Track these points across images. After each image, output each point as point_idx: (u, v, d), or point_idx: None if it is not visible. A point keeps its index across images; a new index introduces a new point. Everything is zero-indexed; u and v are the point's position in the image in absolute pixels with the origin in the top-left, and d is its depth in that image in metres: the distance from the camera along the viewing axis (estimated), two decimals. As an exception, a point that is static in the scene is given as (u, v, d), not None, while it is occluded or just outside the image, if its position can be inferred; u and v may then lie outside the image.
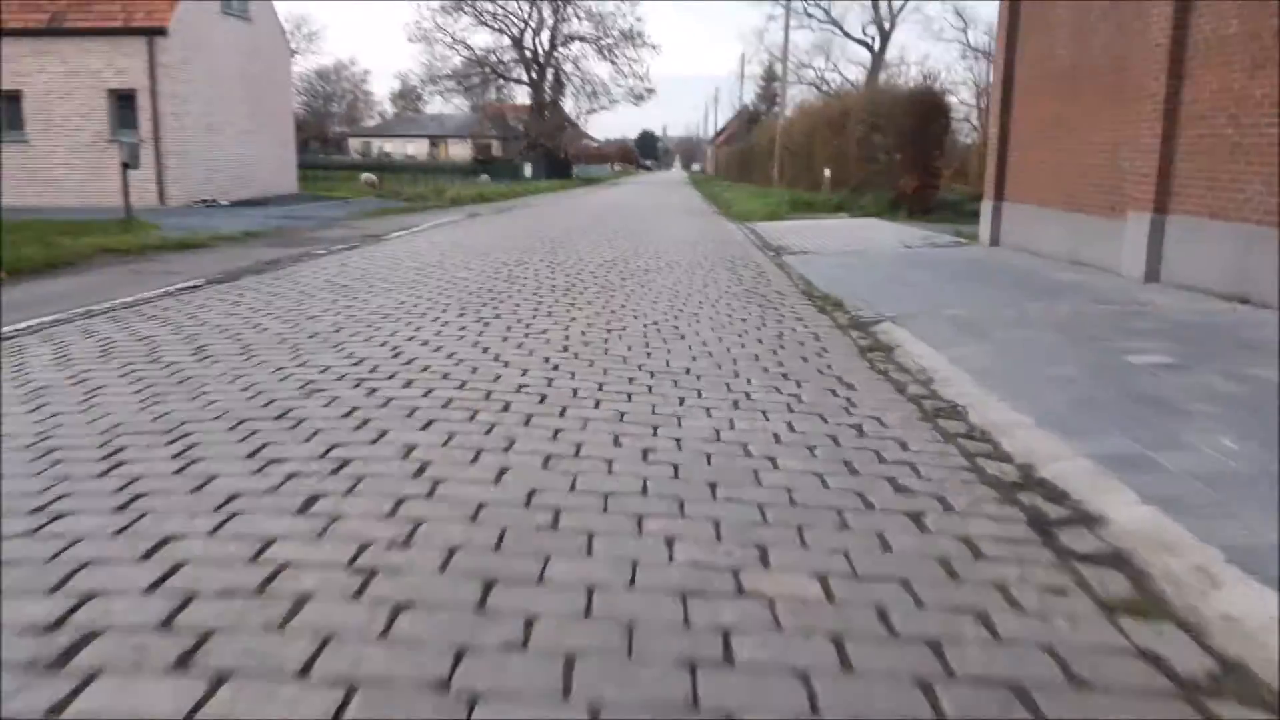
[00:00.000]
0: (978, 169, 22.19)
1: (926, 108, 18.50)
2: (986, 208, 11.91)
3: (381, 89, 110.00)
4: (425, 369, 4.72)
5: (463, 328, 5.91)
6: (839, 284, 8.39)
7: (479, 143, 77.07)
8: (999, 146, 11.60)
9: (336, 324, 5.99)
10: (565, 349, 5.32)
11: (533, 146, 52.50)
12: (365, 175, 37.83)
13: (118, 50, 18.05)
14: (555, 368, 4.85)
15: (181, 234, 13.29)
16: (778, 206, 19.34)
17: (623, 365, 4.95)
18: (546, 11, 51.13)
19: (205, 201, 19.72)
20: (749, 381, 4.59)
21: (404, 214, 20.39)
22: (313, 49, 51.41)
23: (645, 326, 6.12)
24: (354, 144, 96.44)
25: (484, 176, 39.99)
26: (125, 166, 14.30)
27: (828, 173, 21.51)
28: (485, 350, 5.24)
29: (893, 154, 19.23)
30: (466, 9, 49.39)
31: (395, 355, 5.05)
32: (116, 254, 11.15)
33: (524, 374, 4.66)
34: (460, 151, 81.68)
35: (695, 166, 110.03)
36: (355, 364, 4.82)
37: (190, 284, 8.39)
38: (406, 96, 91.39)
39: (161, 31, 17.94)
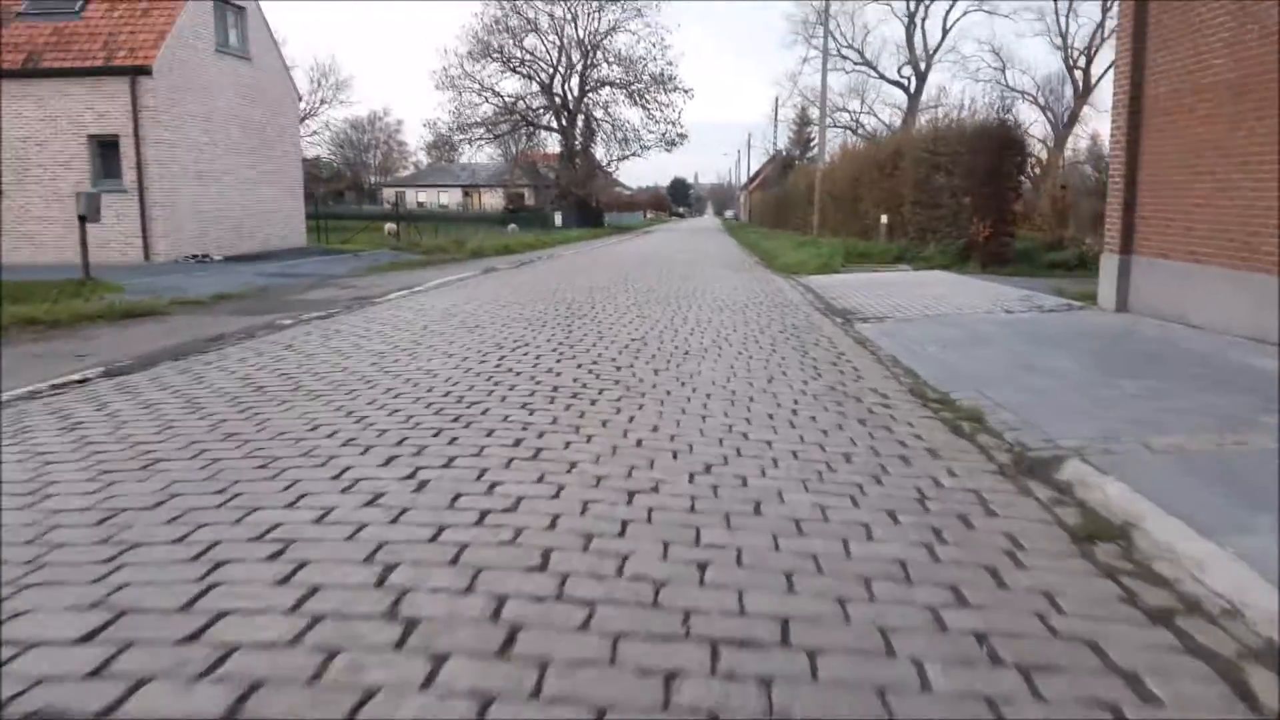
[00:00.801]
0: (1049, 212, 19.71)
1: (999, 143, 16.12)
2: (1109, 264, 9.44)
3: (415, 138, 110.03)
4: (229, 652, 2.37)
5: (376, 496, 3.43)
6: (953, 374, 5.98)
7: (510, 192, 75.98)
8: (1124, 186, 9.17)
9: (171, 487, 3.66)
10: (543, 564, 2.78)
11: (564, 195, 50.82)
12: (388, 225, 36.29)
13: (98, 91, 16.29)
14: (510, 638, 2.34)
15: (140, 298, 11.23)
16: (830, 258, 16.98)
17: (654, 614, 2.46)
18: (575, 56, 49.77)
19: (196, 257, 17.82)
20: (921, 675, 2.16)
21: (415, 269, 18.33)
22: (341, 98, 50.45)
23: (692, 480, 3.68)
24: (387, 194, 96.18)
25: (512, 226, 38.17)
26: (82, 220, 12.33)
27: (884, 219, 19.15)
28: (379, 580, 2.64)
29: (960, 197, 16.83)
30: (494, 55, 48.13)
31: (199, 592, 2.71)
32: (36, 326, 9.05)
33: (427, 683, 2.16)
34: (493, 201, 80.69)
35: (729, 213, 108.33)
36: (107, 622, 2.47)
37: (80, 375, 6.19)
38: (440, 146, 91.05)
39: (145, 71, 16.16)
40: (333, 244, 25.20)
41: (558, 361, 6.45)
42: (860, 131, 62.32)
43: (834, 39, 54.76)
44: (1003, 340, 7.71)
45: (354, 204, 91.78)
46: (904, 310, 10.08)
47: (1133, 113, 9.09)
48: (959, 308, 10.11)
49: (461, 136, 49.71)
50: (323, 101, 50.79)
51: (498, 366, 6.26)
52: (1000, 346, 7.33)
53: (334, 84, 50.79)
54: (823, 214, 33.13)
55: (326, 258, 20.29)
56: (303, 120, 51.56)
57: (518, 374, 5.97)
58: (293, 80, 22.01)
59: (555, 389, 5.52)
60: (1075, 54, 58.82)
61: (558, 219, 44.62)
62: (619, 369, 6.18)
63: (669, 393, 5.44)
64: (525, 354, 6.76)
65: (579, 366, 6.26)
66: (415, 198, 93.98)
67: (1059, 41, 58.85)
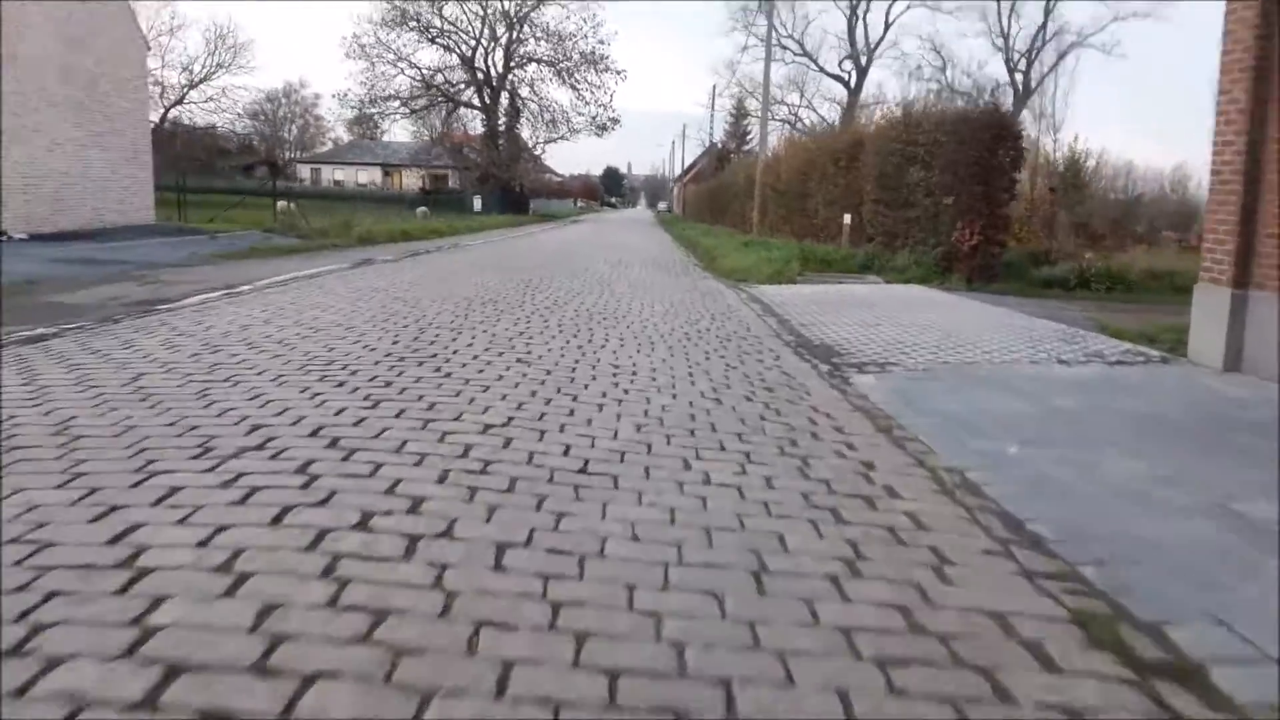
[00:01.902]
0: (1026, 221, 17.01)
1: (990, 133, 13.31)
2: (1215, 300, 6.53)
3: (332, 113, 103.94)
4: None
5: None
6: (1127, 549, 2.88)
7: (433, 173, 71.63)
8: (1242, 196, 6.28)
9: None
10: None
11: (485, 178, 47.03)
12: (281, 204, 32.21)
13: None
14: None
15: None
16: (784, 264, 13.98)
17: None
18: (500, 29, 45.98)
19: (-12, 233, 13.92)
20: None
21: (278, 257, 14.73)
22: (241, 63, 45.64)
23: None
24: (303, 170, 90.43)
25: (422, 210, 34.37)
26: None
27: (848, 220, 16.21)
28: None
29: (940, 196, 13.99)
30: (411, 23, 44.01)
31: None
32: None
33: None
34: (415, 182, 76.08)
35: (661, 205, 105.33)
36: None
37: None
38: (361, 123, 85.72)
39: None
40: (197, 222, 21.25)
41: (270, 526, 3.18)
42: (799, 126, 59.94)
43: (774, 29, 52.10)
44: (1104, 427, 4.70)
45: (267, 180, 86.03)
46: (908, 351, 7.05)
47: (1256, 106, 6.18)
48: (985, 351, 7.12)
49: (374, 110, 45.48)
50: (219, 65, 45.95)
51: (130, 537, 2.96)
52: (1119, 447, 4.30)
53: (232, 47, 45.93)
54: (763, 209, 30.32)
55: (172, 239, 16.47)
56: (194, 85, 46.68)
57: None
58: (139, 25, 18.06)
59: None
60: (1016, 56, 57.46)
61: (476, 203, 40.90)
62: (473, 500, 2.94)
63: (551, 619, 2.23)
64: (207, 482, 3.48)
65: (391, 496, 3.00)
66: (332, 175, 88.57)
67: (1000, 43, 57.50)
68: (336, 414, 4.10)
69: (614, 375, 5.38)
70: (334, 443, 3.64)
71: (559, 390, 4.83)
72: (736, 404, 4.85)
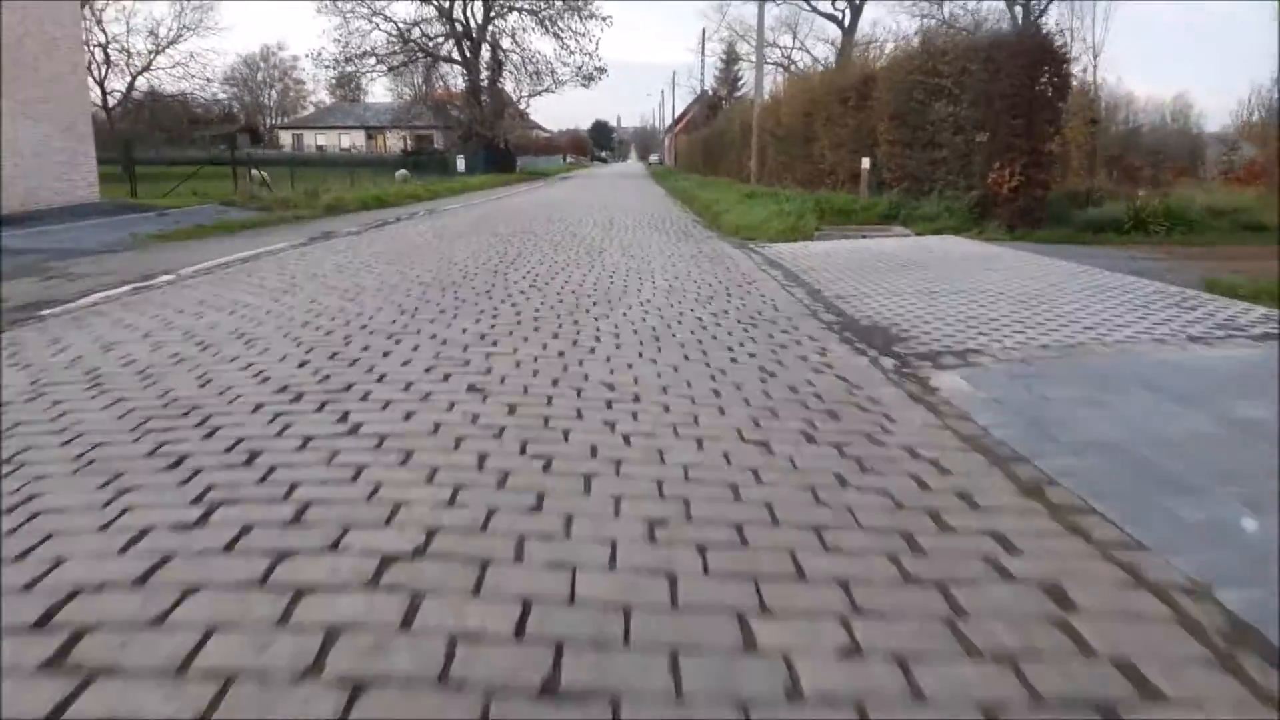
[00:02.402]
0: (1074, 156, 15.21)
1: (1030, 58, 11.47)
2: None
3: (312, 75, 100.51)
4: None
5: None
6: None
7: (417, 134, 69.12)
8: None
9: None
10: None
11: (468, 136, 44.83)
12: (254, 172, 30.26)
13: None
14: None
15: None
16: (799, 218, 12.22)
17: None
18: (478, -23, 43.41)
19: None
20: None
21: (230, 233, 13.01)
22: (210, 24, 43.12)
23: None
24: (284, 137, 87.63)
25: (402, 172, 32.36)
26: None
27: (866, 164, 14.36)
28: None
29: (971, 133, 12.19)
30: (385, -26, 41.44)
31: None
32: None
33: None
34: (400, 144, 73.56)
35: (653, 158, 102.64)
36: None
37: None
38: (344, 85, 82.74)
39: None
40: (151, 198, 19.39)
41: None
42: (792, 69, 57.48)
43: (764, -35, 49.37)
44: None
45: (248, 148, 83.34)
46: (986, 329, 5.38)
47: None
48: (1086, 327, 5.45)
49: (350, 69, 43.11)
50: (185, 28, 43.31)
51: None
52: None
53: (198, 6, 43.13)
54: (762, 157, 28.43)
55: (109, 220, 14.67)
56: (161, 50, 44.24)
57: None
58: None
59: None
60: (938, 23, 54.75)
61: (460, 163, 38.82)
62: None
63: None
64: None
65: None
66: (315, 140, 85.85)
67: (997, -26, 54.72)
68: (120, 551, 2.38)
69: (607, 407, 3.70)
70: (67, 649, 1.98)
71: (523, 448, 3.13)
72: (793, 450, 3.19)
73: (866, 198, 13.55)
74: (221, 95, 49.80)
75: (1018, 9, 55.40)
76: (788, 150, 23.68)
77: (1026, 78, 11.51)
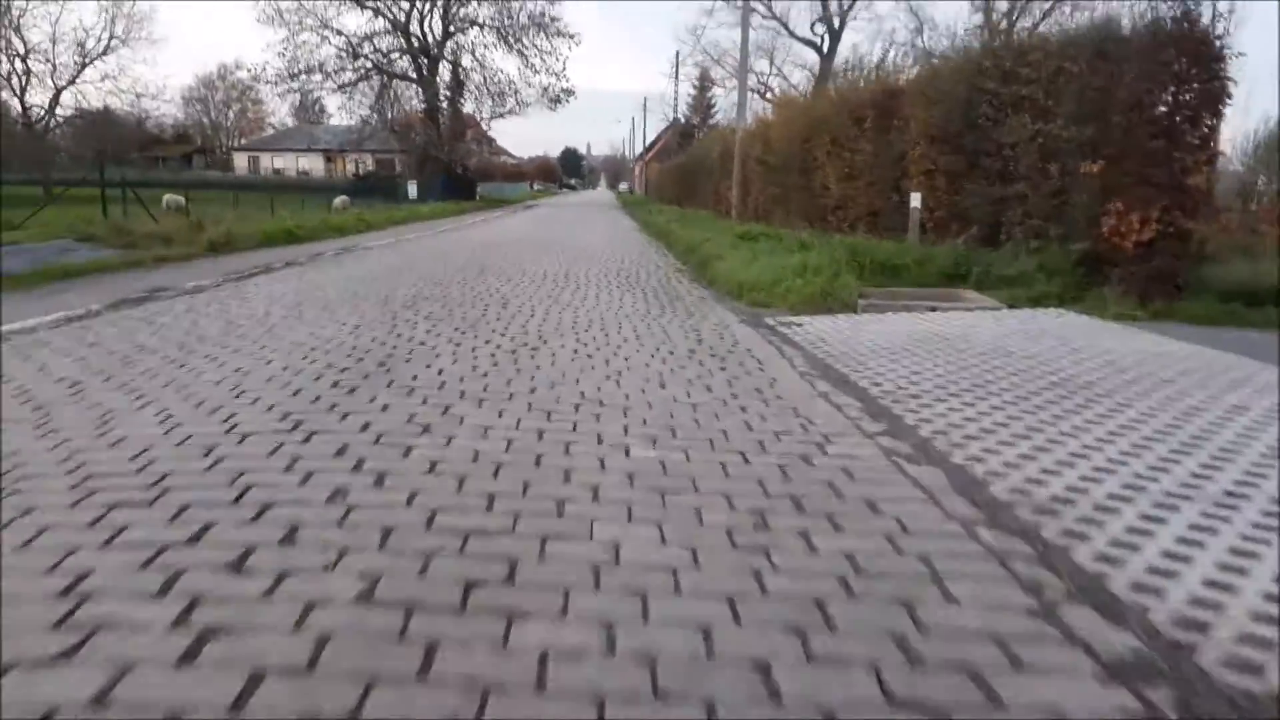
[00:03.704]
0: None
1: (1169, 57, 7.87)
2: None
3: (275, 98, 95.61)
4: None
5: None
6: None
7: (377, 157, 65.11)
8: None
9: None
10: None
11: (424, 160, 40.91)
12: (168, 198, 26.17)
13: None
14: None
15: None
16: (831, 277, 8.39)
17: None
18: (437, -11, 39.66)
19: None
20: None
21: (46, 282, 9.07)
22: (143, 34, 38.65)
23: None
24: (240, 159, 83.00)
25: (341, 199, 28.45)
26: None
27: (917, 201, 10.56)
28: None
29: (1072, 161, 8.56)
30: (335, -17, 37.58)
31: None
32: None
33: None
34: (360, 168, 69.37)
35: (623, 186, 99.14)
36: None
37: None
38: (306, 108, 78.30)
39: None
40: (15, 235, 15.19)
41: None
42: (768, 96, 54.31)
43: (741, -12, 46.17)
44: None
45: (205, 169, 78.67)
46: None
47: None
48: None
49: (294, 85, 39.05)
50: (114, 38, 38.71)
51: None
52: None
53: (130, 16, 38.45)
54: (745, 188, 24.84)
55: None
56: (89, 62, 39.90)
57: None
58: None
59: None
60: (998, 16, 52.13)
61: (411, 189, 34.86)
62: None
63: None
64: None
65: None
66: (272, 163, 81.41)
67: (979, 3, 52.12)
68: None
69: None
70: None
71: None
72: None
73: (915, 244, 9.79)
74: (159, 112, 44.79)
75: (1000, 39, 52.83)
76: (779, 180, 20.04)
77: (1163, 82, 7.88)
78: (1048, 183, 8.94)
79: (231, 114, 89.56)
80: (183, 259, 12.82)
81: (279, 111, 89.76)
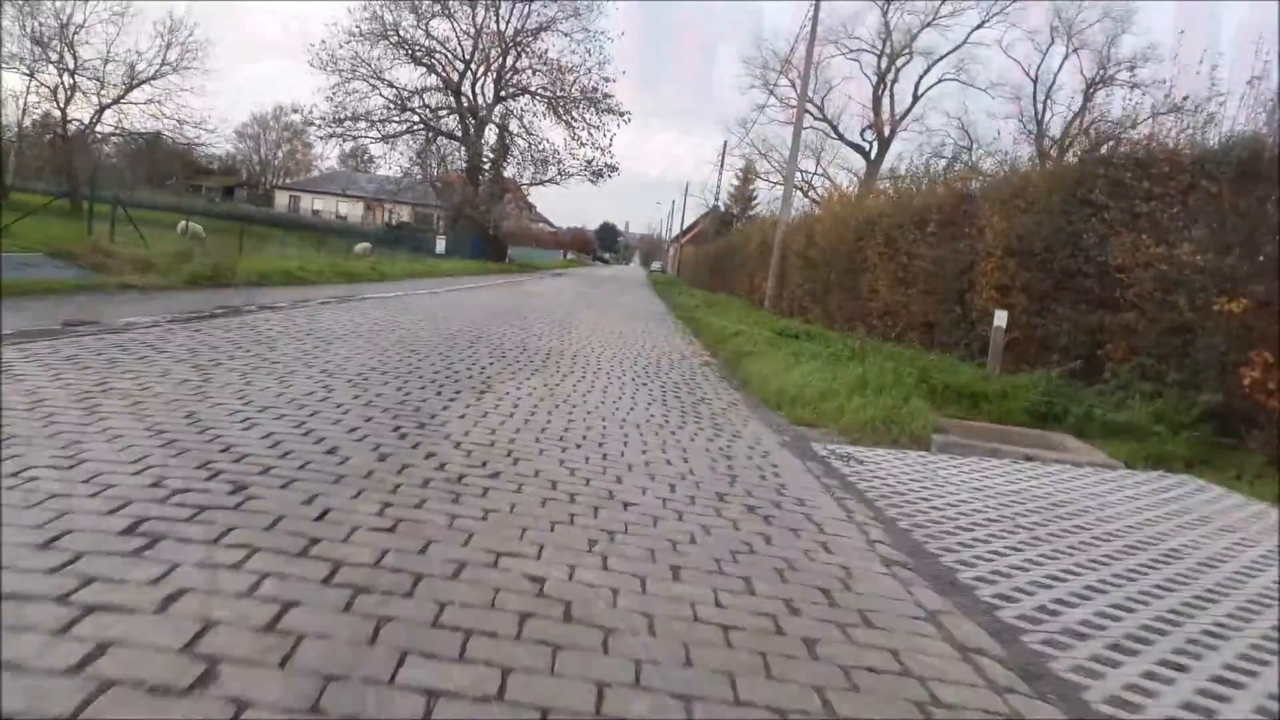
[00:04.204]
0: None
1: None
2: None
3: (320, 140, 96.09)
4: None
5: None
6: None
7: (418, 209, 64.91)
8: None
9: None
10: None
11: (457, 218, 40.05)
12: (182, 224, 25.19)
13: None
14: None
15: None
16: (898, 401, 6.68)
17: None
18: (494, 53, 39.34)
19: None
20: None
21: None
22: (194, 64, 38.62)
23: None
24: (281, 197, 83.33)
25: (363, 246, 27.30)
26: None
27: (1002, 321, 8.85)
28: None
29: (1204, 295, 6.92)
30: (392, 36, 37.32)
31: None
32: None
33: None
34: (406, 220, 69.16)
35: (655, 265, 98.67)
36: None
37: None
38: (356, 155, 78.70)
39: None
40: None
41: None
42: (811, 194, 53.57)
43: (793, 88, 45.84)
44: None
45: (247, 203, 78.81)
46: None
47: None
48: None
49: (336, 131, 38.50)
50: (165, 64, 38.63)
51: None
52: None
53: (184, 44, 38.46)
54: (782, 281, 23.46)
55: None
56: (137, 84, 39.72)
57: None
58: None
59: None
60: (1049, 143, 51.40)
61: (440, 244, 33.80)
62: None
63: None
64: None
65: None
66: (313, 204, 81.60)
67: (1031, 127, 51.51)
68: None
69: None
70: None
71: None
72: None
73: (997, 375, 8.08)
74: (203, 143, 44.41)
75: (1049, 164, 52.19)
76: (821, 277, 18.56)
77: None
78: (1167, 316, 7.27)
79: (281, 153, 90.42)
80: (156, 288, 11.38)
81: (328, 156, 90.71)
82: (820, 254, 18.70)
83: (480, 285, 22.07)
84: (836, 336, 12.07)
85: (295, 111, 68.80)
